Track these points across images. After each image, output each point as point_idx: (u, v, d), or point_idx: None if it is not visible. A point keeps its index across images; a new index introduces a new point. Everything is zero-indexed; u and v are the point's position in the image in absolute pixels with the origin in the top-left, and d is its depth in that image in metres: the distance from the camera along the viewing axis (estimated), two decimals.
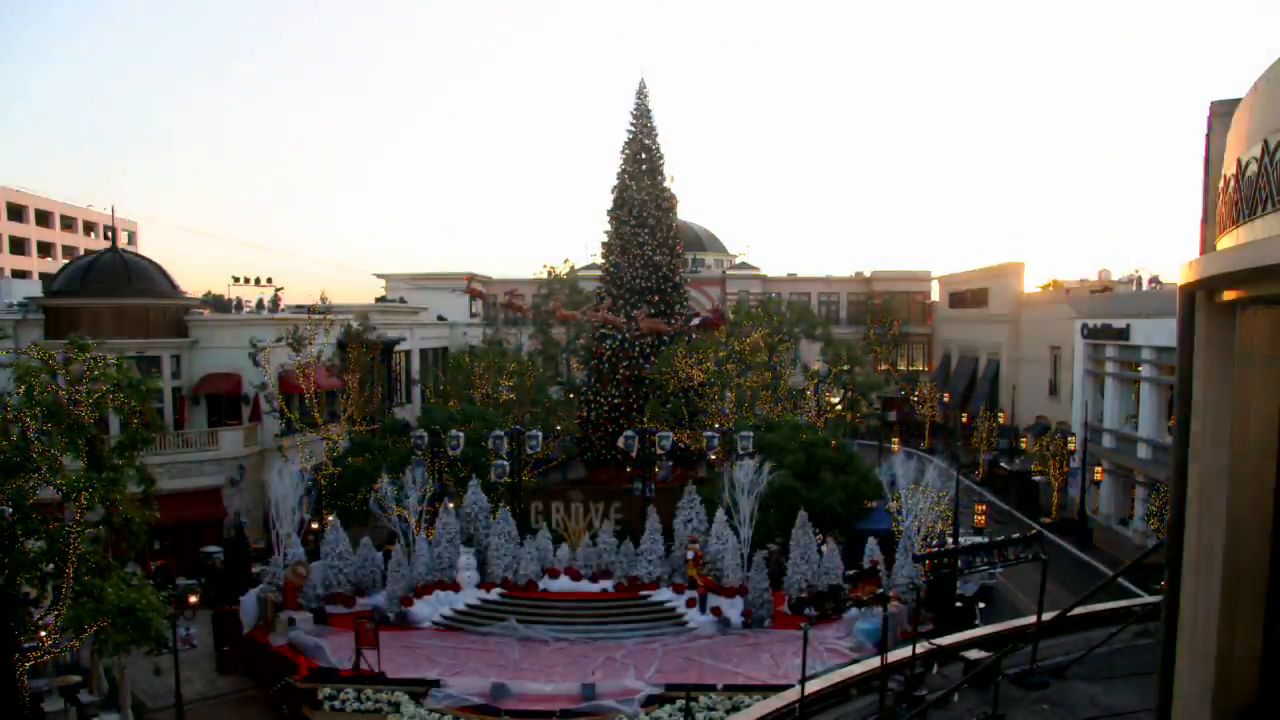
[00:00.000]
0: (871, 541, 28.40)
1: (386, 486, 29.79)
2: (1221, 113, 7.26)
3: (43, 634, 19.35)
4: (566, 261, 63.84)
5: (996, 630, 16.24)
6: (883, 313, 71.01)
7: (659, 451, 32.59)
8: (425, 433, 33.18)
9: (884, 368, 67.09)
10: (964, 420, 63.15)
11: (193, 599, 27.09)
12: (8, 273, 65.45)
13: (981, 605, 28.00)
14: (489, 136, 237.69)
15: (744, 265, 77.00)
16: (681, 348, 40.79)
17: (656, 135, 43.74)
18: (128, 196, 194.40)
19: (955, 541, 25.54)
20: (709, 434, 34.76)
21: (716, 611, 27.83)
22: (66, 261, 54.88)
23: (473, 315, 65.75)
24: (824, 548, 28.71)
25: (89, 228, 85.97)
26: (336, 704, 22.79)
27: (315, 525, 33.50)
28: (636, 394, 41.68)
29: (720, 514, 29.44)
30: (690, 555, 28.72)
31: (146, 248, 75.86)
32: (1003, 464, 52.17)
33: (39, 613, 19.48)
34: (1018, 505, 44.86)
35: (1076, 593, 20.56)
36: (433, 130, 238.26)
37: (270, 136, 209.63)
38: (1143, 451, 38.52)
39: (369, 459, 33.91)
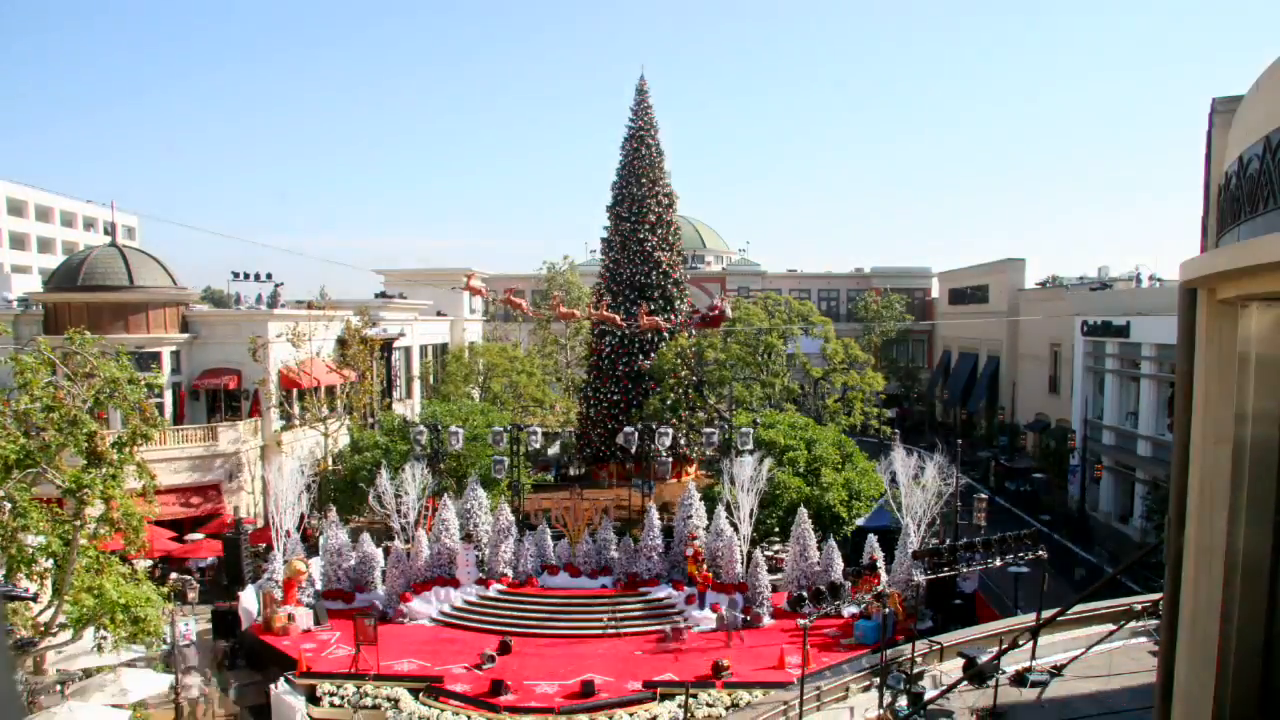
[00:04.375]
0: (871, 538, 28.39)
1: (386, 483, 29.78)
2: (1223, 110, 7.21)
3: (42, 629, 19.36)
4: (566, 258, 63.90)
5: (996, 628, 16.25)
6: (883, 309, 71.06)
7: (658, 448, 32.58)
8: (425, 429, 33.15)
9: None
10: (964, 417, 63.16)
11: (190, 595, 27.09)
12: (7, 268, 65.32)
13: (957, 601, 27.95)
14: (489, 133, 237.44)
15: (744, 261, 76.98)
16: (683, 339, 40.76)
17: (657, 131, 43.58)
18: (128, 192, 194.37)
19: (955, 539, 25.51)
20: (708, 430, 34.74)
21: (716, 608, 27.81)
22: (66, 257, 54.85)
23: (471, 311, 65.72)
24: (824, 545, 28.70)
25: (89, 223, 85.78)
26: (336, 700, 22.78)
27: (315, 521, 33.50)
28: (636, 390, 41.63)
29: (720, 510, 29.42)
30: (690, 552, 28.70)
31: (146, 243, 75.67)
32: (1003, 460, 52.18)
33: (39, 608, 19.46)
34: (1017, 502, 44.89)
35: (1076, 590, 20.56)
36: (433, 127, 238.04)
37: (270, 133, 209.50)
38: (1143, 448, 38.49)
39: (368, 455, 33.89)
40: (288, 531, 28.75)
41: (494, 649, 24.95)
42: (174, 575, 31.33)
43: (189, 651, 24.60)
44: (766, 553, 30.15)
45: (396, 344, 49.59)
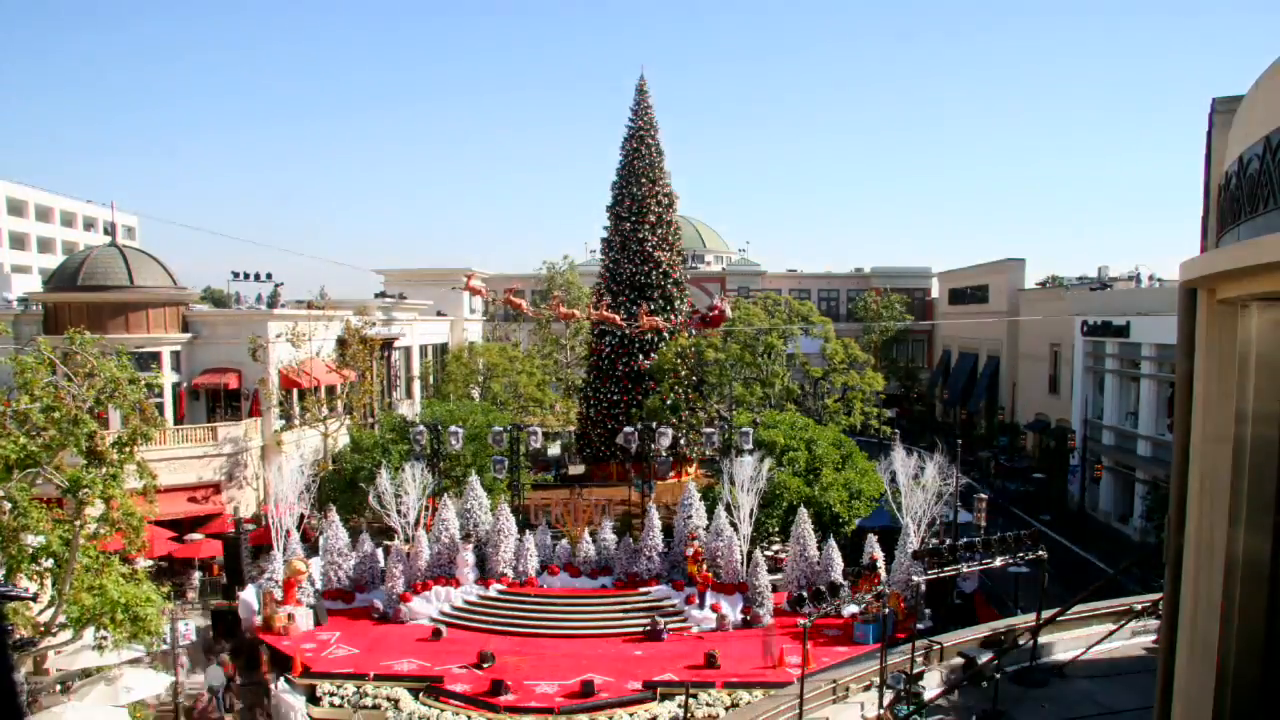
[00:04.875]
0: (871, 538, 28.40)
1: (386, 483, 29.78)
2: (1223, 110, 7.20)
3: (42, 629, 19.35)
4: (566, 258, 63.94)
5: (996, 628, 16.24)
6: (883, 309, 71.07)
7: (658, 448, 32.58)
8: (425, 429, 33.14)
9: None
10: (964, 417, 63.13)
11: (190, 594, 27.09)
12: (7, 268, 65.29)
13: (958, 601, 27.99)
14: (490, 132, 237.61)
15: (744, 261, 76.94)
16: (683, 339, 40.79)
17: (657, 131, 43.57)
18: (128, 192, 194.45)
19: (955, 539, 25.51)
20: (708, 430, 34.74)
21: (716, 608, 27.83)
22: (66, 257, 54.84)
23: (471, 311, 65.72)
24: (824, 545, 28.71)
25: (89, 223, 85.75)
26: (336, 700, 22.80)
27: (315, 521, 33.48)
28: (636, 390, 41.64)
29: (720, 510, 29.44)
30: (690, 552, 28.71)
31: (146, 243, 75.62)
32: (1003, 460, 52.18)
33: (39, 608, 19.45)
34: (1017, 502, 44.86)
35: (1076, 590, 20.54)
36: (432, 127, 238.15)
37: (270, 133, 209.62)
38: (1142, 448, 38.51)
39: (368, 455, 33.89)
40: (288, 531, 28.75)
41: (492, 650, 24.97)
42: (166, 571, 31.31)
43: (188, 650, 24.63)
44: (766, 553, 30.16)
45: (396, 344, 49.60)
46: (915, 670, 13.67)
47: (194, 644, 25.31)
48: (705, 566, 28.65)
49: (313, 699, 23.02)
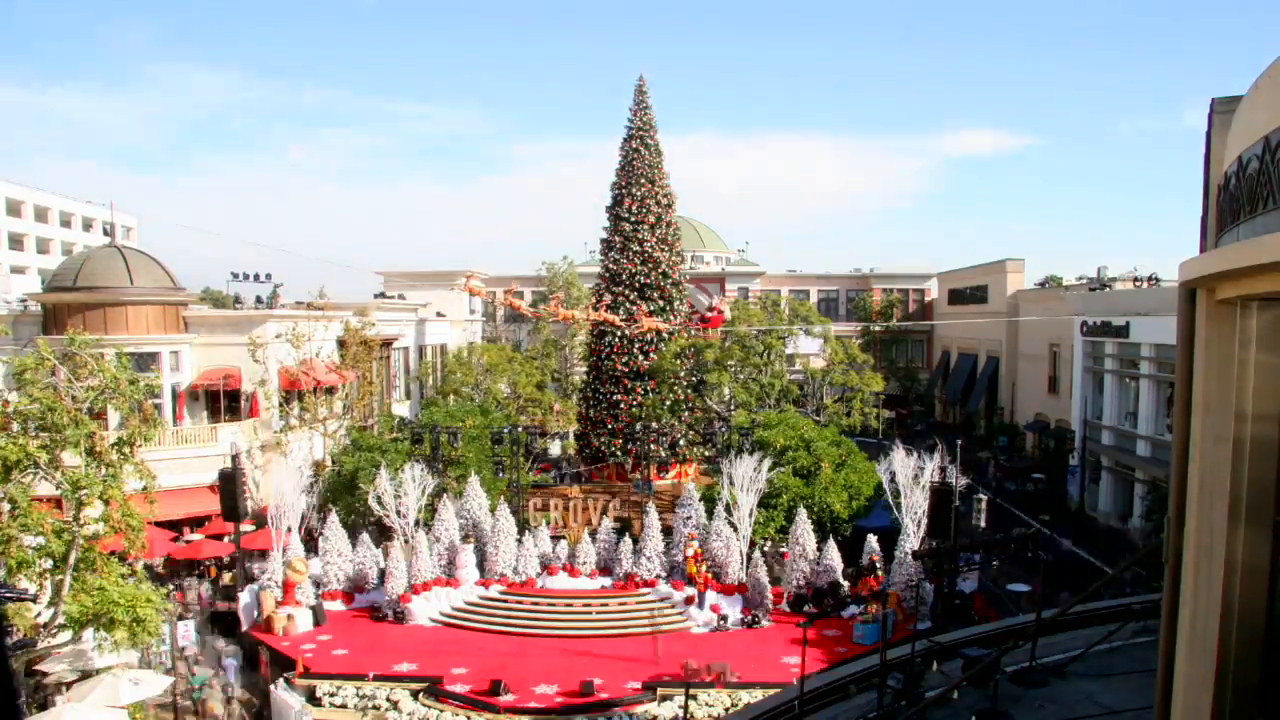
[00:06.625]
0: (871, 538, 28.40)
1: (386, 483, 29.78)
2: (1223, 110, 7.20)
3: (41, 629, 19.35)
4: (566, 258, 64.01)
5: (996, 628, 16.25)
6: (883, 309, 71.13)
7: (657, 448, 32.59)
8: (424, 430, 33.12)
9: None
10: (963, 417, 63.16)
11: (190, 595, 27.09)
12: (6, 269, 65.19)
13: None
14: (489, 133, 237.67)
15: (743, 261, 76.97)
16: (682, 339, 40.81)
17: (656, 132, 43.63)
18: (126, 192, 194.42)
19: (954, 539, 25.53)
20: (708, 430, 34.78)
21: (715, 608, 27.84)
22: (64, 257, 54.80)
23: (472, 312, 65.78)
24: (823, 545, 28.71)
25: (87, 224, 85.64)
26: (336, 701, 22.80)
27: (315, 521, 33.49)
28: (636, 390, 41.67)
29: (720, 511, 29.44)
30: (689, 552, 28.72)
31: (145, 244, 75.39)
32: (1002, 461, 52.19)
33: (38, 608, 19.44)
34: (1017, 502, 44.86)
35: (1075, 590, 20.57)
36: (432, 127, 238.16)
37: (270, 133, 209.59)
38: (1142, 449, 38.53)
39: (368, 455, 33.89)
40: (288, 530, 28.78)
41: (491, 650, 24.89)
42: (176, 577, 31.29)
43: (190, 652, 24.64)
44: (765, 549, 30.19)
45: (396, 344, 49.63)
46: (915, 670, 13.67)
47: (194, 643, 25.33)
48: (705, 567, 28.67)
49: (312, 699, 23.02)
